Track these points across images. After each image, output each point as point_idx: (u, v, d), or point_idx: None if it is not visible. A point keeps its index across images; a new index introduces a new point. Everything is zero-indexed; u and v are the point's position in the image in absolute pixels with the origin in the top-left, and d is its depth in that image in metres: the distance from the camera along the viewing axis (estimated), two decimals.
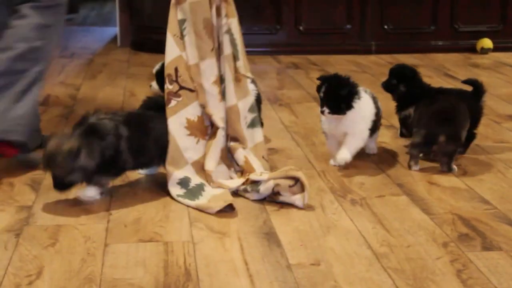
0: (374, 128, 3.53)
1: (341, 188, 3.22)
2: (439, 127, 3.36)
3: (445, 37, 6.84)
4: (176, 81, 3.22)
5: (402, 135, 3.89)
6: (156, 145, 3.12)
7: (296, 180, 2.99)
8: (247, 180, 3.12)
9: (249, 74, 3.37)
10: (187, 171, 3.16)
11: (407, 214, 2.93)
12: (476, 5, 6.80)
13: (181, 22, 3.25)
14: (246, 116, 3.33)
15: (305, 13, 6.68)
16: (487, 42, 6.68)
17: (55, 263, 2.48)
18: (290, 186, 2.99)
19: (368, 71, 5.89)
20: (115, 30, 7.33)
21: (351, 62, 6.32)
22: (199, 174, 3.19)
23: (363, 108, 3.41)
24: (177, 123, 3.19)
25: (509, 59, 6.37)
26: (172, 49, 3.25)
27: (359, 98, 3.37)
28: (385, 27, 6.78)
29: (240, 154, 3.26)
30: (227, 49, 3.28)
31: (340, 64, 6.20)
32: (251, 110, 3.36)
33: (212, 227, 2.78)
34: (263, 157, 3.33)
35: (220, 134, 3.24)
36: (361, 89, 3.42)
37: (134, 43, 6.92)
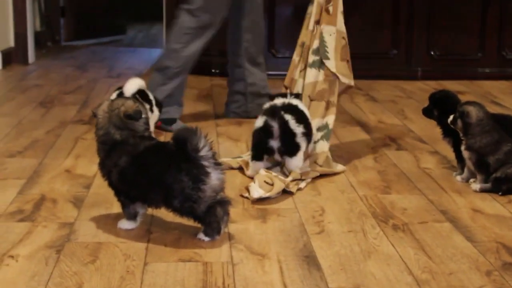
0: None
1: (383, 213, 3.19)
2: None
3: (492, 64, 6.77)
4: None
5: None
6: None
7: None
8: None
9: (334, 70, 3.86)
10: None
11: (450, 241, 2.89)
12: None
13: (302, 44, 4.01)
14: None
15: (350, 36, 6.66)
16: None
17: (95, 280, 2.48)
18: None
19: (413, 97, 5.85)
20: (161, 51, 7.40)
21: (396, 87, 6.29)
22: None
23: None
24: None
25: None
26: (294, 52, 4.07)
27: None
28: (432, 53, 6.74)
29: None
30: (309, 77, 3.88)
31: (385, 90, 6.17)
32: (320, 129, 3.85)
33: (252, 249, 2.77)
34: (315, 163, 3.74)
35: None
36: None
37: None
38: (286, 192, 3.42)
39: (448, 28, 6.71)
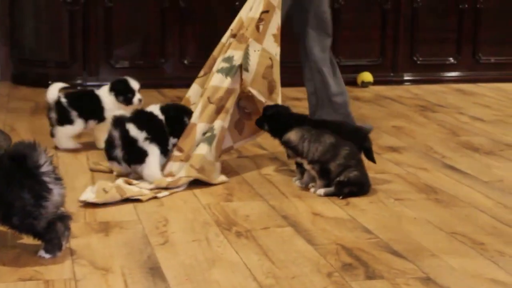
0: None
1: (226, 220, 3.22)
2: None
3: None
4: None
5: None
6: None
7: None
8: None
9: (250, 89, 3.90)
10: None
11: (292, 245, 2.95)
12: (357, 39, 6.98)
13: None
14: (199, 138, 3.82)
15: (190, 47, 6.69)
16: (367, 76, 6.85)
17: None
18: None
19: None
20: None
21: None
22: None
23: None
24: None
25: (389, 92, 6.56)
26: None
27: None
28: None
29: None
30: (214, 81, 3.90)
31: None
32: (206, 132, 3.83)
33: (95, 263, 2.72)
34: (191, 165, 3.70)
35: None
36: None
37: (14, 77, 6.75)
38: (131, 201, 3.43)
39: (283, 36, 6.84)
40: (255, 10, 4.00)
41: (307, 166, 3.62)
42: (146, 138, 3.62)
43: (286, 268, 2.72)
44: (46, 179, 2.68)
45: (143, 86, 5.79)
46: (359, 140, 3.77)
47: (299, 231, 3.12)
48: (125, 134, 3.61)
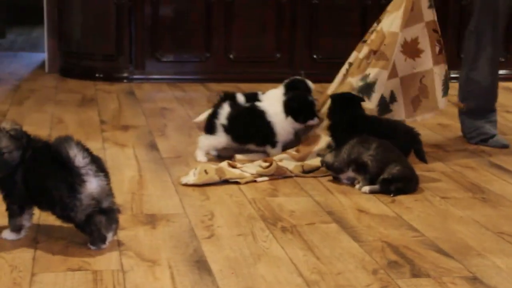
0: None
1: (272, 215, 3.23)
2: None
3: None
4: None
5: None
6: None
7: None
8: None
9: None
10: None
11: (337, 242, 2.95)
12: None
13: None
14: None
15: (235, 41, 6.71)
16: None
17: None
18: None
19: None
20: (43, 56, 7.23)
21: None
22: None
23: None
24: None
25: None
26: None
27: None
28: (314, 56, 6.86)
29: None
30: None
31: None
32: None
33: (142, 255, 2.75)
34: (302, 166, 3.85)
35: None
36: None
37: (62, 69, 6.85)
38: (230, 183, 3.63)
39: (331, 32, 6.84)
40: (395, 23, 4.05)
41: (349, 173, 3.64)
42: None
43: (331, 264, 2.73)
44: (82, 171, 2.70)
45: (188, 80, 5.88)
46: (410, 141, 3.78)
47: (344, 227, 3.11)
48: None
